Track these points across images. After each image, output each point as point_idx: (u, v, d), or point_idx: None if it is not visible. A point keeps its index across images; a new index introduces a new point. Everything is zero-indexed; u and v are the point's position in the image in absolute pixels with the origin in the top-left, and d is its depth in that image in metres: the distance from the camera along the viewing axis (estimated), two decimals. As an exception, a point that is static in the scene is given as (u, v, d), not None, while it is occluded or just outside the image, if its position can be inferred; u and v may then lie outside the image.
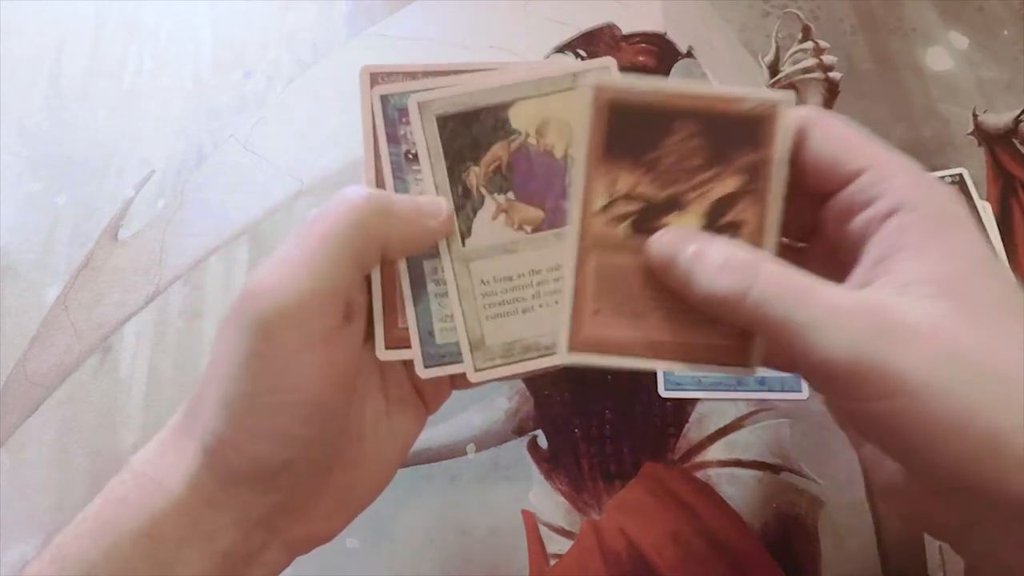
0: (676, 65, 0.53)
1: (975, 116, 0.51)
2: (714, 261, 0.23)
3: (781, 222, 0.25)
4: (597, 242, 0.26)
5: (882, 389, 0.20)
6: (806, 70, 0.53)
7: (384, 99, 0.27)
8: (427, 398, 0.30)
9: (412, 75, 0.27)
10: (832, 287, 0.22)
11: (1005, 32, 0.54)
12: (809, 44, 0.54)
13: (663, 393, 0.44)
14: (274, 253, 0.24)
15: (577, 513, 0.42)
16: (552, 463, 0.43)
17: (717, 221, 0.25)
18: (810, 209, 0.26)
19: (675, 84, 0.25)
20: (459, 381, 0.30)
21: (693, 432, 0.44)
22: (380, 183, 0.28)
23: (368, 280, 0.27)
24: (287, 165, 0.51)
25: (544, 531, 0.42)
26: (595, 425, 0.44)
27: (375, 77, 0.27)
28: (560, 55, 0.53)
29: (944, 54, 0.53)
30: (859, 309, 0.21)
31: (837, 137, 0.24)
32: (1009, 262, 0.45)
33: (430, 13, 0.56)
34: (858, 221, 0.24)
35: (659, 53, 0.53)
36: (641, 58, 0.53)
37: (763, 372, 0.44)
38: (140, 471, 0.25)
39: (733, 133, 0.25)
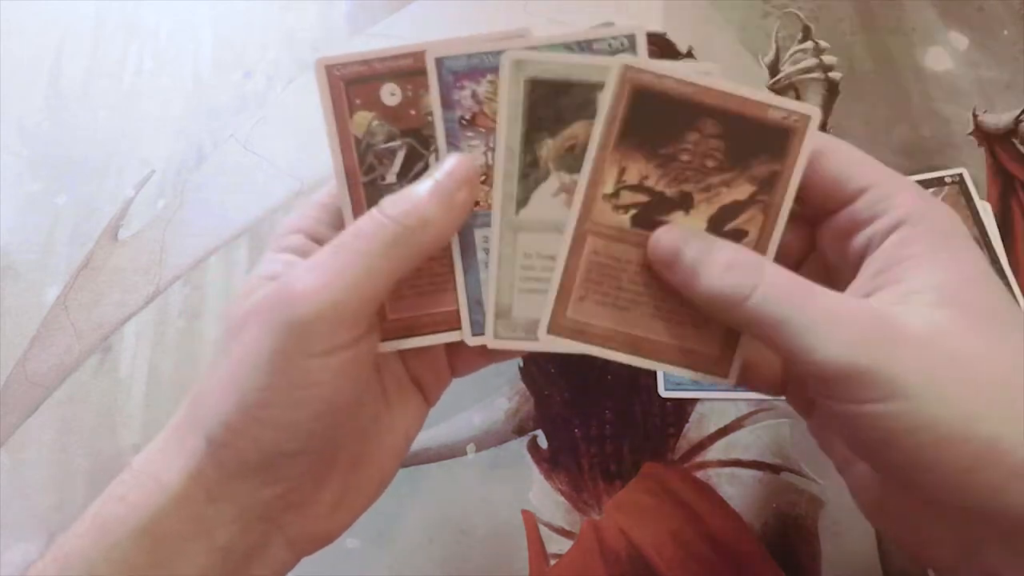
0: (676, 65, 0.53)
1: (975, 116, 0.51)
2: (720, 259, 0.23)
3: (780, 239, 0.25)
4: (596, 227, 0.25)
5: (881, 391, 0.20)
6: (806, 70, 0.53)
7: (439, 62, 0.26)
8: (426, 389, 0.30)
9: (367, 62, 0.26)
10: (834, 293, 0.22)
11: (1005, 32, 0.54)
12: (809, 44, 0.54)
13: (663, 393, 0.44)
14: (312, 258, 0.24)
15: (577, 513, 0.42)
16: (552, 463, 0.43)
17: (721, 227, 0.25)
18: (806, 229, 0.27)
19: (706, 79, 0.24)
20: (460, 367, 0.31)
21: (693, 432, 0.44)
22: (351, 171, 0.27)
23: None
24: (287, 165, 0.51)
25: (544, 531, 0.42)
26: (595, 425, 0.44)
27: (330, 69, 0.26)
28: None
29: (944, 54, 0.53)
30: (861, 312, 0.21)
31: (843, 158, 0.25)
32: (1009, 262, 0.45)
33: (430, 13, 0.56)
34: (860, 238, 0.24)
35: (659, 53, 0.53)
36: (641, 58, 0.53)
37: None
38: (139, 469, 0.25)
39: (756, 140, 0.25)
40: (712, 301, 0.23)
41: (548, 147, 0.26)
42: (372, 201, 0.27)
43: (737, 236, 0.25)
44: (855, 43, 0.54)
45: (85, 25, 0.55)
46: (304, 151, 0.51)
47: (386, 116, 0.27)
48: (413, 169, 0.27)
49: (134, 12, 0.55)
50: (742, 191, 0.25)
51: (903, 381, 0.20)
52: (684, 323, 0.25)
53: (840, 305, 0.22)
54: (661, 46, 0.53)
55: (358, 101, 0.27)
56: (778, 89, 0.52)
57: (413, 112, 0.27)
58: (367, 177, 0.27)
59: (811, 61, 0.53)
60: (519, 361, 0.45)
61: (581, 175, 0.25)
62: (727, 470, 0.43)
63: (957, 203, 0.46)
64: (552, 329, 0.26)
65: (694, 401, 0.44)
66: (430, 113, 0.27)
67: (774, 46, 0.54)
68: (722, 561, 0.40)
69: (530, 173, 0.26)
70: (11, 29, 0.54)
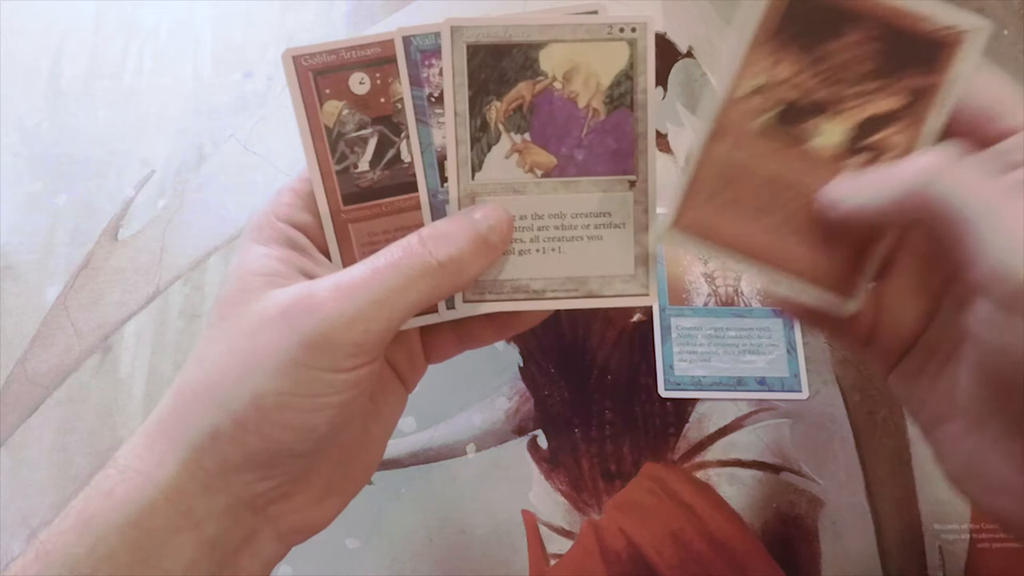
0: (676, 65, 0.53)
1: (975, 116, 0.51)
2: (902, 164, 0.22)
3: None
4: (737, 126, 0.25)
5: None
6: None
7: (407, 40, 0.26)
8: (404, 376, 0.31)
9: (335, 52, 0.27)
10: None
11: (1005, 32, 0.54)
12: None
13: (663, 393, 0.44)
14: (343, 275, 0.24)
15: (577, 513, 0.42)
16: (552, 463, 0.43)
17: (864, 138, 0.24)
18: None
19: None
20: (433, 354, 0.31)
21: (693, 432, 0.44)
22: (323, 160, 0.27)
23: None
24: (287, 165, 0.51)
25: (544, 531, 0.42)
26: (595, 425, 0.44)
27: (298, 60, 0.27)
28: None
29: (944, 54, 0.53)
30: None
31: (996, 90, 0.23)
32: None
33: (430, 13, 0.56)
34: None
35: (659, 53, 0.53)
36: (641, 58, 0.53)
37: (763, 373, 0.44)
38: (125, 465, 0.24)
39: (911, 49, 0.24)
40: (888, 185, 0.22)
41: (496, 108, 0.27)
42: (345, 189, 0.27)
43: (879, 151, 0.24)
44: (855, 43, 0.54)
45: (85, 25, 0.55)
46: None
47: (356, 104, 0.27)
48: (385, 156, 0.27)
49: (134, 12, 0.55)
50: (892, 101, 0.24)
51: None
52: (815, 238, 0.24)
53: None
54: (660, 46, 0.53)
55: (327, 91, 0.27)
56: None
57: (383, 100, 0.27)
58: (339, 165, 0.27)
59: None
60: (519, 361, 0.45)
61: (727, 67, 0.24)
62: (727, 470, 0.43)
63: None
64: (676, 225, 0.25)
65: (694, 401, 0.44)
66: (400, 100, 0.27)
67: (774, 46, 0.54)
68: (722, 561, 0.40)
69: (481, 137, 0.27)
70: (11, 29, 0.54)
